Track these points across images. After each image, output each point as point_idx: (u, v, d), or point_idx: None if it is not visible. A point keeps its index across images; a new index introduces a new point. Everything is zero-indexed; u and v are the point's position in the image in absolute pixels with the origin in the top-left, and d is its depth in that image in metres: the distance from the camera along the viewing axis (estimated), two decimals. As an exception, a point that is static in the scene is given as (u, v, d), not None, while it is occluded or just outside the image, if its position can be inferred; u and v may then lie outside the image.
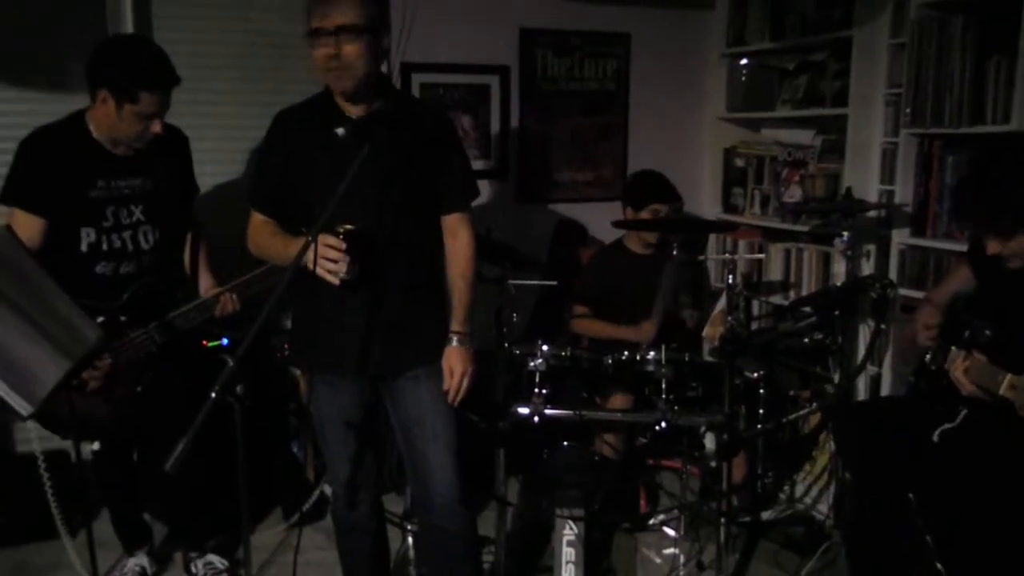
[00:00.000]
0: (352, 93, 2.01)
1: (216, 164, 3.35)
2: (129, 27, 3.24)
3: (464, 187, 2.21)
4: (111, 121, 2.36)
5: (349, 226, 1.93)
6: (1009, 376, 2.07)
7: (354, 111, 2.05)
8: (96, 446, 2.08)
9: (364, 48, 1.96)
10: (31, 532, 2.98)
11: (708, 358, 2.95)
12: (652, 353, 2.61)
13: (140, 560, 2.81)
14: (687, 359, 2.64)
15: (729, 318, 2.53)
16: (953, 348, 2.25)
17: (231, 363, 1.62)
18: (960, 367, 2.16)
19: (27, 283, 1.87)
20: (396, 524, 2.90)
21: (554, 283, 2.83)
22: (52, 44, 3.21)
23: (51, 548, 2.92)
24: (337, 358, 2.16)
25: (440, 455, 2.21)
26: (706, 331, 2.62)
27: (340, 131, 1.88)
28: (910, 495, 2.34)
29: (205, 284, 2.65)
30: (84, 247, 2.43)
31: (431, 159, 2.12)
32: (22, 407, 1.67)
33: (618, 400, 3.03)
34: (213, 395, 1.57)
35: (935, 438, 2.28)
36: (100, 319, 2.26)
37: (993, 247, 2.19)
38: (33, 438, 2.03)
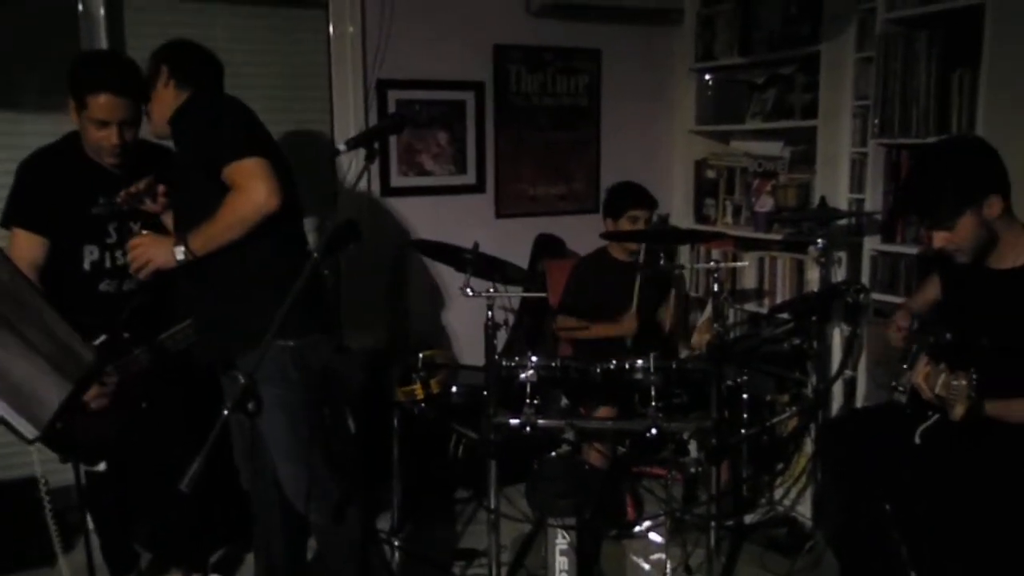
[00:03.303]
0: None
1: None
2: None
3: (221, 143, 2.12)
4: (81, 131, 2.39)
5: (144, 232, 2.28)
6: (943, 376, 2.07)
7: None
8: (102, 467, 2.07)
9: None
10: (14, 562, 2.91)
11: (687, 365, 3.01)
12: (640, 361, 2.65)
13: (127, 586, 2.77)
14: (674, 366, 2.69)
15: (715, 325, 2.59)
16: (920, 355, 2.26)
17: (243, 379, 1.63)
18: (921, 373, 2.17)
19: (23, 306, 1.85)
20: (383, 540, 2.91)
21: (544, 295, 2.86)
22: (33, 69, 3.18)
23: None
24: None
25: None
26: (694, 339, 2.68)
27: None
28: (886, 506, 2.40)
29: None
30: (87, 265, 2.44)
31: (196, 145, 2.18)
32: (28, 431, 1.65)
33: (604, 412, 3.07)
34: (225, 412, 1.58)
35: (917, 439, 2.34)
36: (103, 337, 2.26)
37: (937, 240, 2.24)
38: (35, 461, 1.99)
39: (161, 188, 2.41)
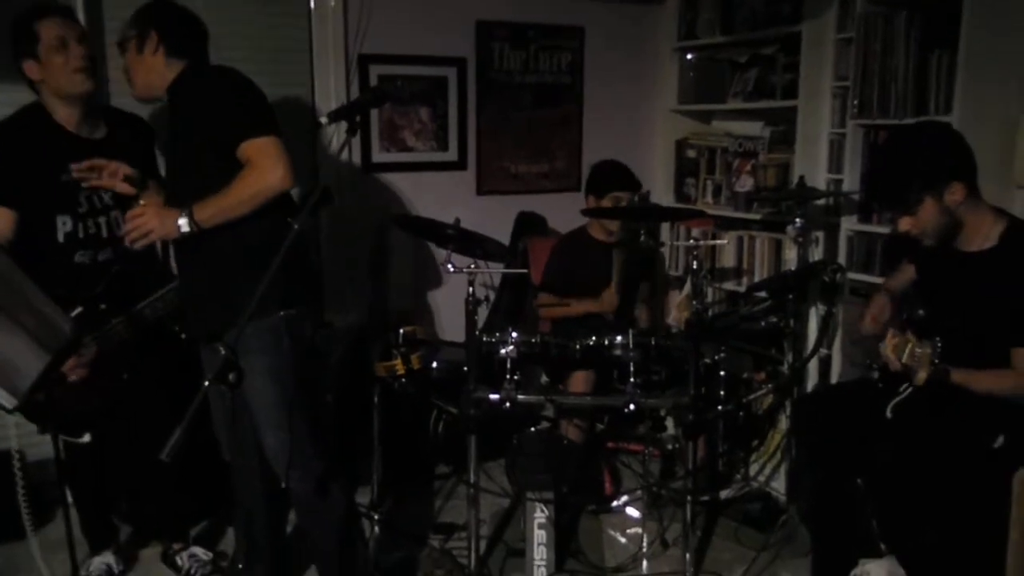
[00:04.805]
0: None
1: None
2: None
3: (236, 120, 2.11)
4: (48, 79, 2.34)
5: (143, 203, 2.25)
6: (910, 344, 2.13)
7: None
8: (87, 439, 2.07)
9: (129, 62, 2.24)
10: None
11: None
12: (619, 338, 2.68)
13: (106, 559, 2.76)
14: (653, 343, 2.71)
15: (694, 302, 2.62)
16: (891, 330, 2.29)
17: (223, 351, 1.63)
18: (889, 345, 2.20)
19: (6, 280, 1.84)
20: (363, 515, 2.93)
21: (525, 271, 2.87)
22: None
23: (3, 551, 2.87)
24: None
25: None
26: (672, 315, 2.71)
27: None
28: (858, 480, 2.44)
29: None
30: (61, 237, 2.40)
31: (206, 119, 2.15)
32: (6, 400, 1.65)
33: (580, 377, 3.09)
34: (207, 383, 1.58)
35: (888, 414, 2.39)
36: (79, 309, 2.24)
37: (903, 224, 2.28)
38: (12, 436, 1.99)
39: (120, 171, 2.35)
